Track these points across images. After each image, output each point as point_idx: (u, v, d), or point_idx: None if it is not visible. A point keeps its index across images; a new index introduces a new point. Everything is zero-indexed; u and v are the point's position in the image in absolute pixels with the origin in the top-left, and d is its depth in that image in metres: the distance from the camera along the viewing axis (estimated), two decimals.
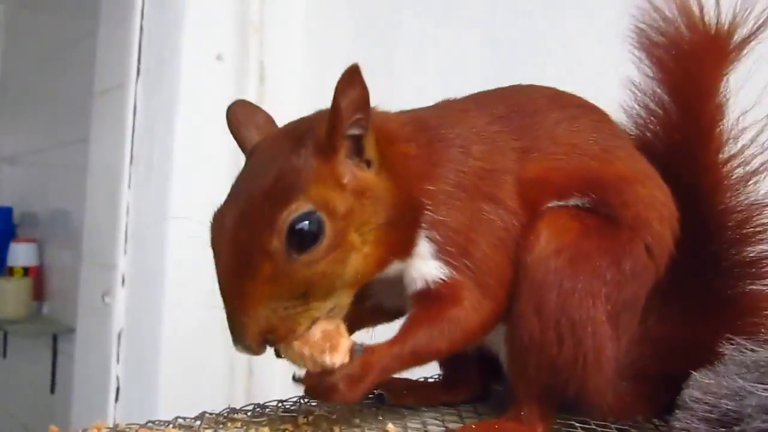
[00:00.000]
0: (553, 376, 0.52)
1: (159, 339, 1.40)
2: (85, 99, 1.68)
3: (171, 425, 0.48)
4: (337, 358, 0.48)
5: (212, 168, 1.33)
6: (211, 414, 0.53)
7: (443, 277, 0.52)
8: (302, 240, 0.47)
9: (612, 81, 0.64)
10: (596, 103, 0.61)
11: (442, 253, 0.52)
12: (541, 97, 0.59)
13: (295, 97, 1.54)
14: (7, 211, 2.50)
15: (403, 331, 0.52)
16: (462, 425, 0.54)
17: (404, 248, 0.52)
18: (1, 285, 2.19)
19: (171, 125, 1.45)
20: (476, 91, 0.61)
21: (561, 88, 0.62)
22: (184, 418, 0.51)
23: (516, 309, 0.52)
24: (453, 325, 0.52)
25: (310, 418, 0.52)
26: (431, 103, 0.62)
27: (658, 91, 0.64)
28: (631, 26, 0.64)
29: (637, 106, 0.65)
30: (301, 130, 0.51)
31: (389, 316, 0.59)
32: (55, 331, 2.01)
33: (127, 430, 0.46)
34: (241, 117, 0.55)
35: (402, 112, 0.58)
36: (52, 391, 2.00)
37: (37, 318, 2.23)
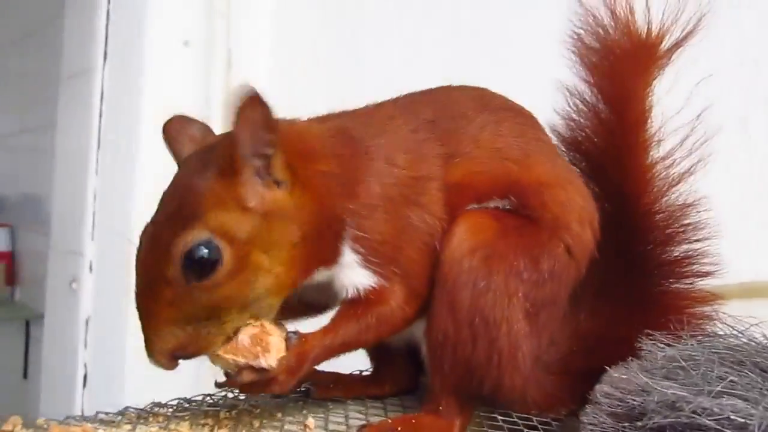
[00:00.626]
0: (468, 373, 0.54)
1: (126, 325, 1.41)
2: (54, 83, 1.68)
3: (88, 422, 0.50)
4: (271, 358, 0.50)
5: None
6: (134, 409, 0.55)
7: (373, 285, 0.54)
8: (199, 268, 0.48)
9: (544, 83, 0.66)
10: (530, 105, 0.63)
11: (369, 263, 0.54)
12: (468, 100, 0.61)
13: (263, 84, 1.54)
14: None
15: (334, 324, 0.55)
16: (382, 419, 0.56)
17: (329, 258, 0.54)
18: None
19: (138, 111, 1.45)
20: (405, 93, 0.62)
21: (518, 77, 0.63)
22: (106, 413, 0.53)
23: (432, 307, 0.55)
24: (380, 321, 0.55)
25: (233, 412, 0.54)
26: (394, 94, 0.63)
27: (590, 94, 0.66)
28: (568, 31, 0.66)
29: (570, 109, 0.67)
30: (211, 149, 0.51)
31: (317, 311, 0.60)
32: (27, 316, 2.02)
33: (45, 425, 0.48)
34: (174, 131, 0.55)
35: (327, 122, 0.58)
36: (25, 376, 2.01)
37: (10, 304, 2.23)
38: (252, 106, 0.47)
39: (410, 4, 1.28)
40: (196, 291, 0.48)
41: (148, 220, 0.51)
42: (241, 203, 0.49)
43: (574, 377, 0.64)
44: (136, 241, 0.51)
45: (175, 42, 1.50)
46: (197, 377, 1.43)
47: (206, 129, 0.57)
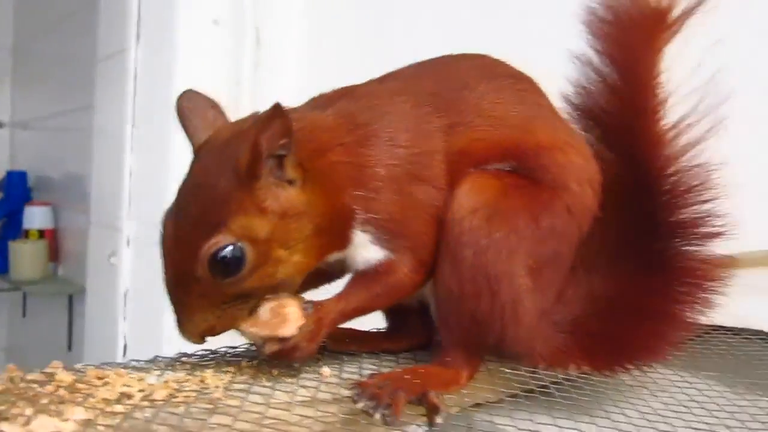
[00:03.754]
0: (473, 326, 0.59)
1: (162, 299, 1.49)
2: (90, 65, 1.76)
3: (122, 367, 0.56)
4: (291, 327, 0.55)
5: None
6: (162, 358, 0.61)
7: (382, 258, 0.59)
8: (225, 268, 0.53)
9: (556, 53, 0.69)
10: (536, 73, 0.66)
11: (378, 240, 0.59)
12: (469, 69, 0.64)
13: (292, 62, 1.59)
14: (21, 175, 2.62)
15: (348, 291, 0.60)
16: (393, 369, 0.61)
17: (340, 243, 0.59)
18: (19, 247, 2.33)
19: (170, 89, 1.51)
20: (409, 64, 0.66)
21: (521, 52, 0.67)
22: (138, 361, 0.60)
23: (437, 266, 0.59)
24: (390, 288, 0.60)
25: (254, 362, 0.60)
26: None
27: (601, 62, 0.68)
28: (581, 3, 0.68)
29: (581, 78, 0.70)
30: (232, 148, 0.54)
31: (328, 279, 0.65)
32: (71, 291, 2.14)
33: (83, 369, 0.54)
34: (187, 109, 0.59)
35: (330, 106, 0.61)
36: (69, 348, 2.14)
37: (54, 279, 2.36)
38: (273, 118, 0.51)
39: None
40: (223, 286, 0.54)
41: (170, 210, 0.56)
42: (259, 206, 0.54)
43: (586, 337, 0.67)
44: (160, 230, 0.56)
45: (205, 21, 1.56)
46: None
47: (217, 108, 0.61)
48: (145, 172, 1.56)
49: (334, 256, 0.60)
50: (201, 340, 0.57)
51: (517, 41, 0.82)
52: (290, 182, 0.56)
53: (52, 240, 2.40)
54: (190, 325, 0.55)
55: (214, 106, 0.60)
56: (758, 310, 0.88)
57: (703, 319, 0.79)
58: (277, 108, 0.51)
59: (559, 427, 0.54)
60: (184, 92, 0.60)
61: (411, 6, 1.34)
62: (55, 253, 2.41)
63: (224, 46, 1.58)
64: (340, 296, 0.59)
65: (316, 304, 0.57)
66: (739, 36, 0.76)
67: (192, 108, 0.59)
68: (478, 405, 0.58)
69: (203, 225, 0.53)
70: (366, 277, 0.60)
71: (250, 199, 0.54)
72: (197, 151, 0.58)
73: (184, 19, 1.53)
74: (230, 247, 0.53)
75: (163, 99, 1.51)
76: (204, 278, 0.53)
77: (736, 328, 0.88)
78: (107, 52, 1.68)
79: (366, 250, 0.59)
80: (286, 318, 0.55)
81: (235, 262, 0.53)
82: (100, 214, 1.70)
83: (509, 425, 0.54)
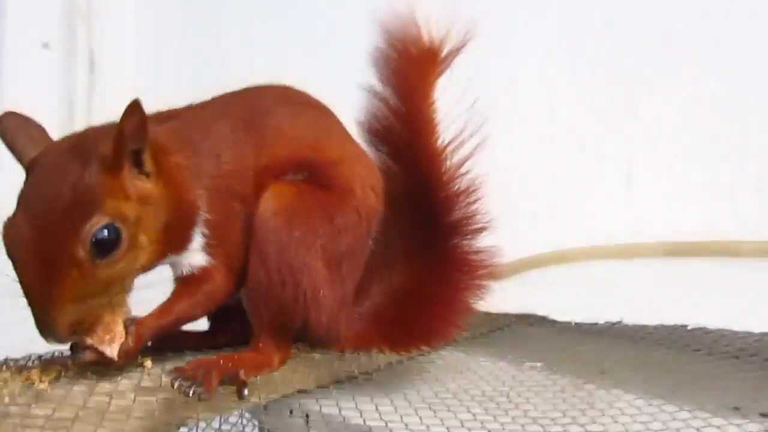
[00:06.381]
0: (280, 312, 0.70)
1: None
2: None
3: None
4: (115, 349, 0.63)
5: None
6: None
7: (205, 264, 0.69)
8: (104, 247, 0.60)
9: (348, 84, 0.83)
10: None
11: (207, 246, 0.69)
12: (272, 97, 0.78)
13: (127, 85, 1.63)
14: None
15: (169, 303, 0.69)
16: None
17: (181, 244, 0.68)
18: None
19: None
20: (222, 94, 0.78)
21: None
22: None
23: (248, 262, 0.70)
24: (207, 297, 0.70)
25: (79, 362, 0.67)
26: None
27: (388, 92, 0.85)
28: (371, 42, 0.84)
29: (371, 105, 0.85)
30: (86, 147, 0.62)
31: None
32: None
33: None
34: (14, 129, 0.65)
35: (165, 122, 0.70)
36: None
37: None
38: (133, 112, 0.59)
39: (268, 5, 1.46)
40: (99, 268, 0.60)
41: (15, 216, 0.60)
42: (125, 193, 0.62)
43: (385, 323, 0.82)
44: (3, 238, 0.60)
45: (34, 44, 1.56)
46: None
47: (43, 129, 0.67)
48: None
49: (170, 259, 0.69)
50: (69, 336, 0.60)
51: (318, 73, 0.97)
52: (147, 175, 0.64)
53: None
54: (60, 318, 0.59)
55: (37, 127, 0.67)
56: (541, 300, 1.08)
57: (492, 308, 0.98)
58: (135, 103, 0.59)
59: (359, 404, 0.63)
60: (5, 114, 0.66)
61: (241, 30, 1.47)
62: None
63: (56, 71, 1.58)
64: (161, 310, 0.68)
65: (137, 321, 0.65)
66: (492, 69, 0.96)
67: (16, 128, 0.65)
68: (301, 391, 0.67)
69: (77, 211, 0.58)
70: (186, 286, 0.70)
71: (116, 185, 0.61)
72: (35, 162, 0.63)
73: (12, 41, 1.52)
74: (109, 226, 0.60)
75: None
76: (83, 260, 0.59)
77: (522, 314, 1.07)
78: None
79: (194, 255, 0.69)
80: (114, 337, 0.63)
81: (113, 241, 0.60)
82: None
83: (324, 408, 0.63)
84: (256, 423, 0.89)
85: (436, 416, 0.61)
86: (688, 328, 0.89)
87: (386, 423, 0.60)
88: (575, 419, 0.60)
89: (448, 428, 0.58)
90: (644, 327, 0.91)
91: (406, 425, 0.59)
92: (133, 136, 0.61)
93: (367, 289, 0.83)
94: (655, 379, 0.71)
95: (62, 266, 0.58)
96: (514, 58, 1.14)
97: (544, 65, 1.16)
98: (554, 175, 1.17)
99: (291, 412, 0.68)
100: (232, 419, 0.82)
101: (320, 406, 0.64)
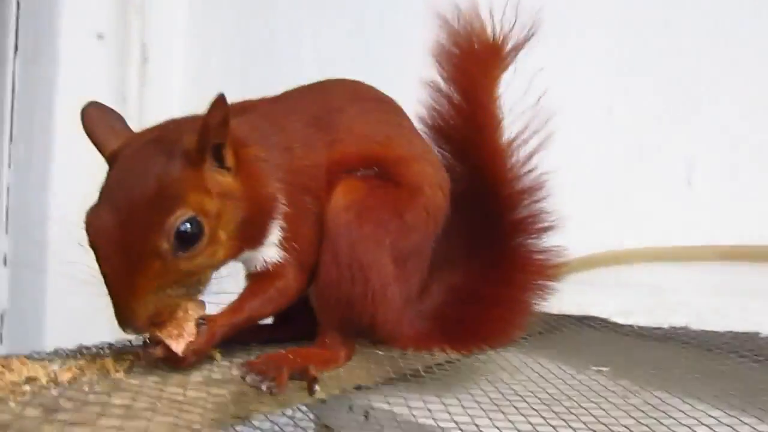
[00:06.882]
0: (349, 308, 0.70)
1: (43, 319, 1.48)
2: None
3: (25, 357, 0.62)
4: (182, 345, 0.62)
5: (92, 148, 1.42)
6: (63, 349, 0.67)
7: (279, 259, 0.69)
8: (186, 240, 0.60)
9: (412, 80, 0.82)
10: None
11: (283, 240, 0.69)
12: (343, 92, 0.77)
13: (178, 78, 1.65)
14: None
15: (242, 300, 0.69)
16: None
17: (257, 239, 0.68)
18: None
19: (51, 104, 1.51)
20: (292, 89, 0.78)
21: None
22: (38, 353, 0.66)
23: (320, 257, 0.70)
24: (278, 293, 0.70)
25: None
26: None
27: (450, 89, 0.83)
28: (432, 38, 0.83)
29: (434, 102, 0.84)
30: (169, 140, 0.62)
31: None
32: None
33: None
34: (94, 120, 0.66)
35: (237, 116, 0.68)
36: None
37: None
38: (218, 106, 0.59)
39: (319, 3, 1.45)
40: (180, 261, 0.60)
41: (98, 207, 0.60)
42: (206, 187, 0.62)
43: (446, 323, 0.81)
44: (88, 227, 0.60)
45: (88, 35, 1.58)
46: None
47: (123, 120, 0.68)
48: (24, 189, 1.55)
49: (245, 255, 0.69)
50: (146, 327, 0.61)
51: (379, 69, 0.96)
52: (227, 170, 0.64)
53: None
54: (140, 309, 0.59)
55: (118, 117, 0.68)
56: (598, 302, 1.06)
57: (554, 308, 0.96)
58: (221, 98, 0.59)
59: (426, 402, 0.62)
60: (88, 104, 0.67)
61: (294, 24, 1.47)
62: None
63: (109, 62, 1.60)
64: (233, 307, 0.68)
65: (210, 319, 0.65)
66: (557, 64, 0.93)
67: (97, 118, 0.66)
68: (358, 387, 0.67)
69: (161, 204, 0.59)
70: (259, 282, 0.70)
71: (199, 179, 0.61)
72: (118, 154, 0.63)
73: (66, 31, 1.54)
74: (192, 220, 0.60)
75: (44, 113, 1.51)
76: (165, 253, 0.59)
77: (579, 315, 1.05)
78: None
79: (269, 250, 0.69)
80: (182, 333, 0.63)
81: (195, 234, 0.60)
82: None
83: (385, 405, 0.63)
84: (312, 417, 0.89)
85: (507, 419, 0.60)
86: (761, 336, 0.86)
87: (457, 423, 0.59)
88: (651, 427, 0.59)
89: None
90: (712, 333, 0.88)
91: (478, 426, 0.58)
92: (216, 131, 0.61)
93: (428, 287, 0.82)
94: (729, 389, 0.68)
95: (145, 257, 0.59)
96: (571, 55, 1.11)
97: (602, 61, 1.13)
98: (611, 175, 1.15)
99: (350, 408, 0.69)
100: (289, 412, 0.83)
101: (388, 403, 0.64)
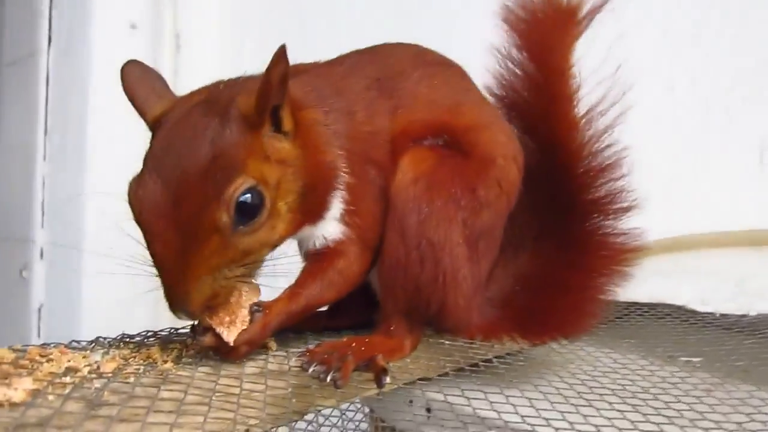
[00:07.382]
0: (417, 293, 0.63)
1: (80, 313, 1.45)
2: None
3: (65, 346, 0.56)
4: (233, 334, 0.55)
5: (127, 138, 1.37)
6: (105, 338, 0.61)
7: (340, 235, 0.62)
8: (248, 212, 0.53)
9: (478, 47, 0.75)
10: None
11: (346, 214, 0.62)
12: (405, 56, 0.70)
13: (212, 67, 1.59)
14: None
15: (299, 286, 0.61)
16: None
17: (318, 212, 0.61)
18: None
19: (85, 95, 1.48)
20: (350, 51, 0.70)
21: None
22: (78, 342, 0.60)
23: (385, 236, 0.63)
24: (339, 275, 0.62)
25: None
26: None
27: (520, 56, 0.75)
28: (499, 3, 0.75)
29: (502, 70, 0.76)
30: (222, 102, 0.55)
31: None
32: None
33: (23, 348, 0.54)
34: (136, 79, 0.59)
35: (297, 77, 0.62)
36: None
37: None
38: (280, 60, 0.52)
39: None
40: (239, 236, 0.54)
41: (144, 178, 0.53)
42: (265, 154, 0.55)
43: (516, 311, 0.73)
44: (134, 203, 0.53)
45: (122, 24, 1.54)
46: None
47: (163, 80, 0.62)
48: (59, 182, 1.52)
49: (304, 232, 0.62)
50: (202, 311, 0.54)
51: (440, 36, 0.88)
52: (285, 134, 0.57)
53: None
54: (195, 292, 0.52)
55: (159, 77, 0.62)
56: (670, 289, 0.97)
57: (621, 296, 0.87)
58: (282, 50, 0.52)
59: (506, 395, 0.56)
60: (127, 62, 0.60)
61: (332, 8, 1.39)
62: None
63: (142, 51, 1.56)
64: (290, 294, 0.60)
65: (265, 306, 0.58)
66: (640, 31, 0.85)
67: (138, 78, 0.60)
68: (427, 379, 0.60)
69: (218, 173, 0.52)
70: (318, 262, 0.62)
71: (257, 145, 0.55)
72: (164, 118, 0.56)
73: (100, 21, 1.51)
74: (253, 190, 0.53)
75: (79, 105, 1.48)
76: (225, 227, 0.52)
77: (652, 303, 0.96)
78: (15, 56, 1.62)
79: (330, 225, 0.62)
80: (234, 321, 0.56)
81: (256, 206, 0.54)
82: (9, 226, 1.63)
83: (451, 397, 0.56)
84: (366, 411, 0.82)
85: (601, 415, 0.52)
86: None
87: (547, 420, 0.51)
88: (742, 425, 0.51)
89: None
90: None
91: (572, 424, 0.50)
92: (277, 90, 0.54)
93: (494, 272, 0.74)
94: None
95: (202, 233, 0.52)
96: (659, 18, 1.02)
97: (665, 32, 1.04)
98: (676, 155, 1.06)
99: (411, 402, 0.61)
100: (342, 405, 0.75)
101: (464, 394, 0.57)
